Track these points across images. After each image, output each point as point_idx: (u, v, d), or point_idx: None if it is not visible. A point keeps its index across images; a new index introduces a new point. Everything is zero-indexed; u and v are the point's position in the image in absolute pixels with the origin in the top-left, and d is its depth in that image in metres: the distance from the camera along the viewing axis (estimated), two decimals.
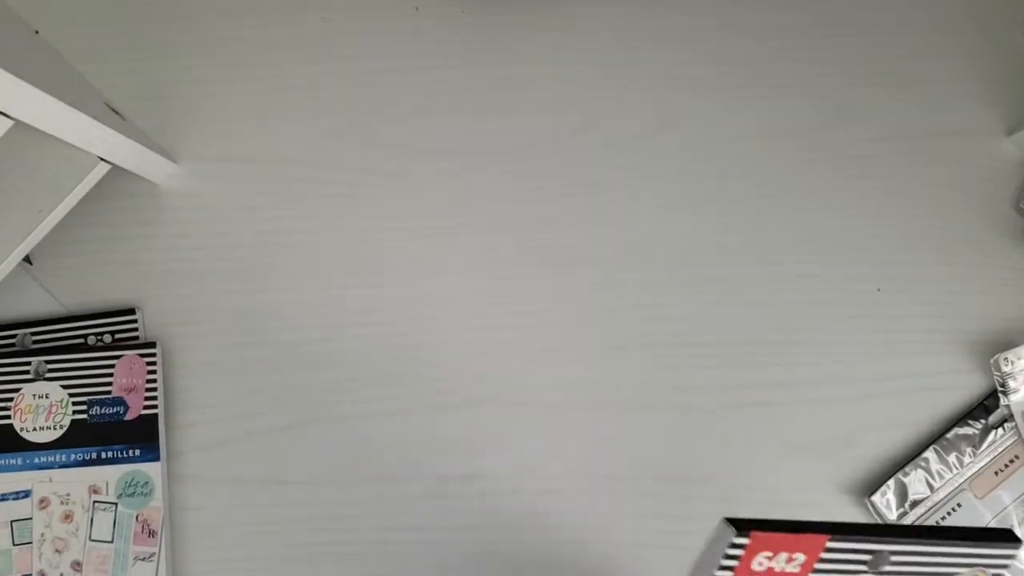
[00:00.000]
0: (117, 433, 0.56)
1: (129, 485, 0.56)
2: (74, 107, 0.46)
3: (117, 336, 0.59)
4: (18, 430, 0.56)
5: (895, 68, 0.62)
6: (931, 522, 0.54)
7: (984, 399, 0.56)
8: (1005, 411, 0.55)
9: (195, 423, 0.58)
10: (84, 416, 0.57)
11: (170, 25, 0.64)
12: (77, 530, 0.56)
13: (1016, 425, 0.55)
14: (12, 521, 0.56)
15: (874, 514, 0.55)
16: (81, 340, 0.58)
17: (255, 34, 0.63)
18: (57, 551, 0.55)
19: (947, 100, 0.62)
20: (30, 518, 0.56)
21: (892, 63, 0.62)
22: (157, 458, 0.56)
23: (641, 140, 0.61)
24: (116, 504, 0.56)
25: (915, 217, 0.60)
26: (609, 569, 0.56)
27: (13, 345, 0.59)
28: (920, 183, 0.61)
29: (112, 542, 0.55)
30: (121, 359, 0.57)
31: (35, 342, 0.59)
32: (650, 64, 0.63)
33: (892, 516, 0.54)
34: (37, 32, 0.49)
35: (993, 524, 0.54)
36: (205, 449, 0.57)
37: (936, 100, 0.62)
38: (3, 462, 0.56)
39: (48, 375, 0.57)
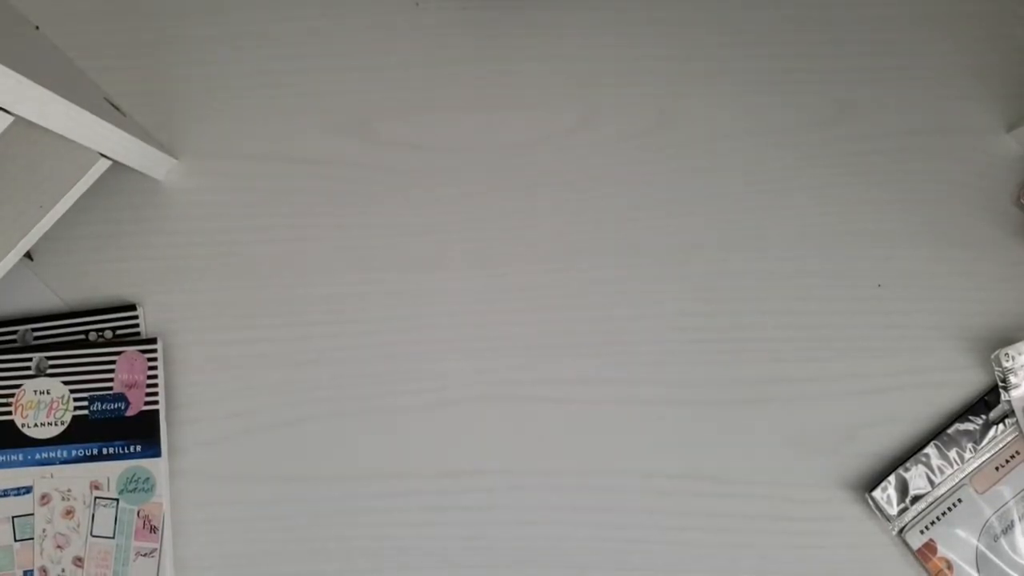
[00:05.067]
0: (118, 429, 0.56)
1: (130, 481, 0.56)
2: (75, 103, 0.46)
3: (118, 332, 0.59)
4: (19, 426, 0.56)
5: (895, 64, 0.62)
6: (932, 518, 0.54)
7: (985, 395, 0.56)
8: (1006, 407, 0.55)
9: (195, 419, 0.58)
10: (85, 412, 0.57)
11: (170, 21, 0.63)
12: (78, 526, 0.56)
13: (1017, 421, 0.55)
14: (13, 517, 0.56)
15: (875, 509, 0.55)
16: (82, 336, 0.58)
17: (256, 30, 0.63)
18: (58, 547, 0.55)
19: (947, 96, 0.62)
20: (31, 514, 0.56)
21: (892, 59, 0.62)
22: (158, 454, 0.56)
23: (640, 137, 0.61)
24: (117, 500, 0.56)
25: (915, 213, 0.60)
26: (609, 564, 0.56)
27: (14, 341, 0.58)
28: (920, 179, 0.61)
29: (113, 538, 0.55)
30: (122, 355, 0.57)
31: (36, 338, 0.59)
32: (649, 61, 0.63)
33: (893, 511, 0.54)
34: (38, 28, 0.49)
35: (994, 519, 0.54)
36: (205, 445, 0.57)
37: (936, 96, 0.62)
38: (4, 458, 0.56)
39: (49, 371, 0.57)
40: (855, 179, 0.61)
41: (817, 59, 0.62)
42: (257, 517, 0.57)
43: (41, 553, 0.55)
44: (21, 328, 0.59)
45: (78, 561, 0.55)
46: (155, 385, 0.57)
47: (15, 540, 0.55)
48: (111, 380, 0.57)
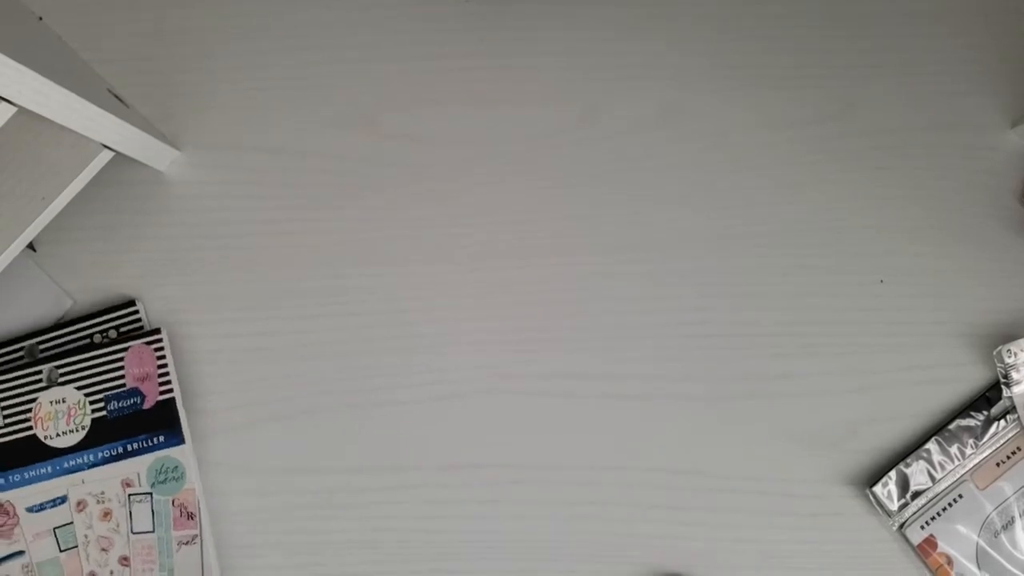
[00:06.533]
0: (138, 423, 0.56)
1: (160, 472, 0.56)
2: (78, 94, 0.45)
3: (121, 330, 0.58)
4: (42, 439, 0.56)
5: (900, 60, 0.62)
6: (933, 513, 0.56)
7: (986, 391, 0.57)
8: (1007, 403, 0.56)
9: (196, 411, 0.57)
10: (103, 413, 0.56)
11: (174, 13, 0.62)
12: (118, 526, 0.55)
13: (1018, 417, 0.56)
14: (54, 528, 0.55)
15: (876, 505, 0.56)
16: (87, 340, 0.58)
17: (259, 23, 0.62)
18: (103, 550, 0.55)
19: (952, 92, 0.62)
20: (71, 523, 0.55)
21: (897, 55, 0.62)
22: (182, 441, 0.56)
23: (643, 132, 0.61)
24: (151, 493, 0.56)
25: (919, 209, 0.60)
26: (609, 558, 0.57)
27: (22, 357, 0.58)
28: (924, 175, 0.61)
29: (154, 531, 0.55)
30: (129, 350, 0.57)
31: (43, 351, 0.58)
32: (652, 56, 0.62)
33: (894, 507, 0.55)
34: (41, 19, 0.48)
35: (995, 515, 0.55)
36: (207, 438, 0.57)
37: (941, 92, 0.62)
38: (34, 472, 0.56)
39: (61, 380, 0.56)
40: (858, 175, 0.61)
41: (821, 55, 0.62)
42: (258, 508, 0.57)
43: (87, 559, 0.55)
44: (27, 343, 0.58)
45: (124, 560, 0.55)
46: (167, 373, 0.56)
47: (60, 551, 0.55)
48: (122, 377, 0.56)
